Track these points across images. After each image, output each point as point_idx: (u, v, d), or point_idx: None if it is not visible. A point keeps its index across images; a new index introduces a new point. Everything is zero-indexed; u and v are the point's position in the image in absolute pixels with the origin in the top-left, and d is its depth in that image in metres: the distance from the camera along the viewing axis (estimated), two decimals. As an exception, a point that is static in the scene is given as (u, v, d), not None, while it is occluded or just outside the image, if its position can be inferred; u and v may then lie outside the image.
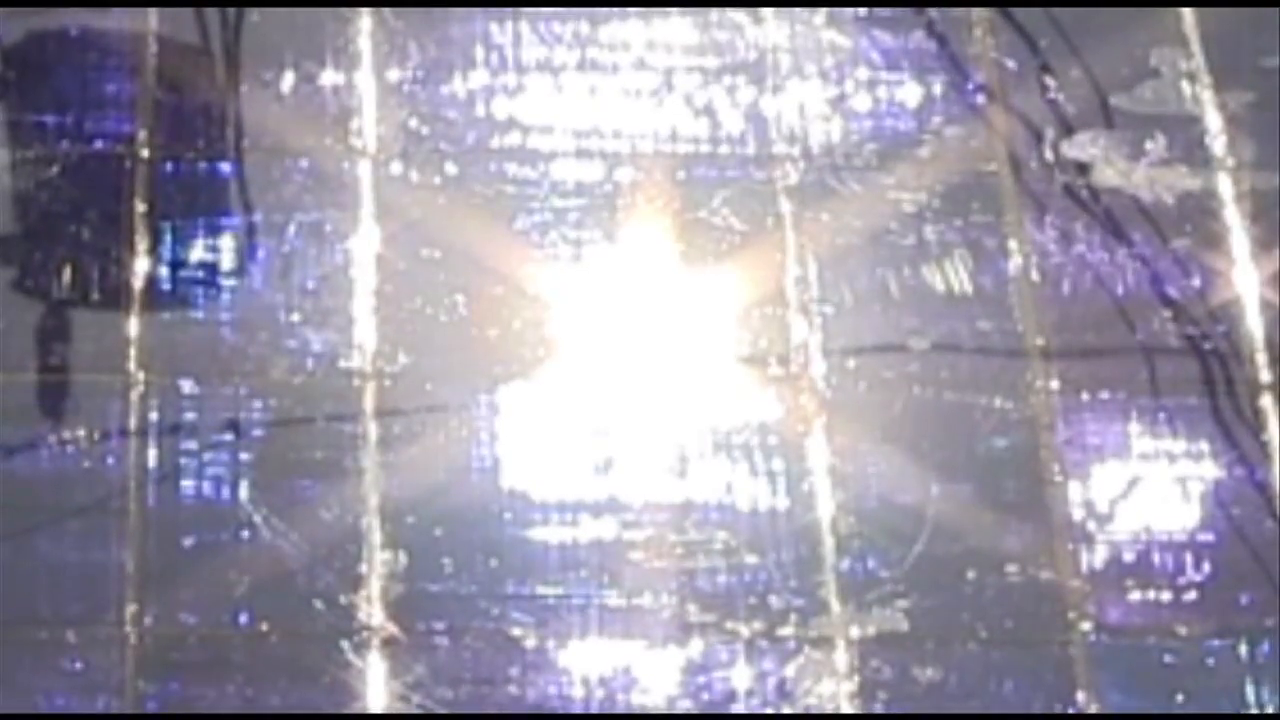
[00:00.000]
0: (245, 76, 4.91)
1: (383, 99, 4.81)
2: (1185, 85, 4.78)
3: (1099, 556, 4.24)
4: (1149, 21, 4.89)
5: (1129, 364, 4.44)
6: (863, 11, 4.97)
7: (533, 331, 4.54)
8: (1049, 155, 4.66)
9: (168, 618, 4.14)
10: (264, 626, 4.15)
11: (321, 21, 4.99)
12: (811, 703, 4.12)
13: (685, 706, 4.19)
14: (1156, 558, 4.24)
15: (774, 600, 4.20)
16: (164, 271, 4.62)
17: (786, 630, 4.17)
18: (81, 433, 4.35)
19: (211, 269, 4.45)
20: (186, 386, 4.43)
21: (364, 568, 4.25)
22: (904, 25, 4.91)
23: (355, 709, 4.19)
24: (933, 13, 4.96)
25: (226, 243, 4.40)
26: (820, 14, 4.99)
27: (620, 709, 4.24)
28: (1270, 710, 4.21)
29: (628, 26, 5.02)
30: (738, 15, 5.03)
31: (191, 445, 4.37)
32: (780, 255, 4.56)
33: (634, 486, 4.36)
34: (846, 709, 4.10)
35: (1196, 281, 4.53)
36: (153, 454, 4.32)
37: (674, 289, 4.64)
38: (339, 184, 4.66)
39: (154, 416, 4.36)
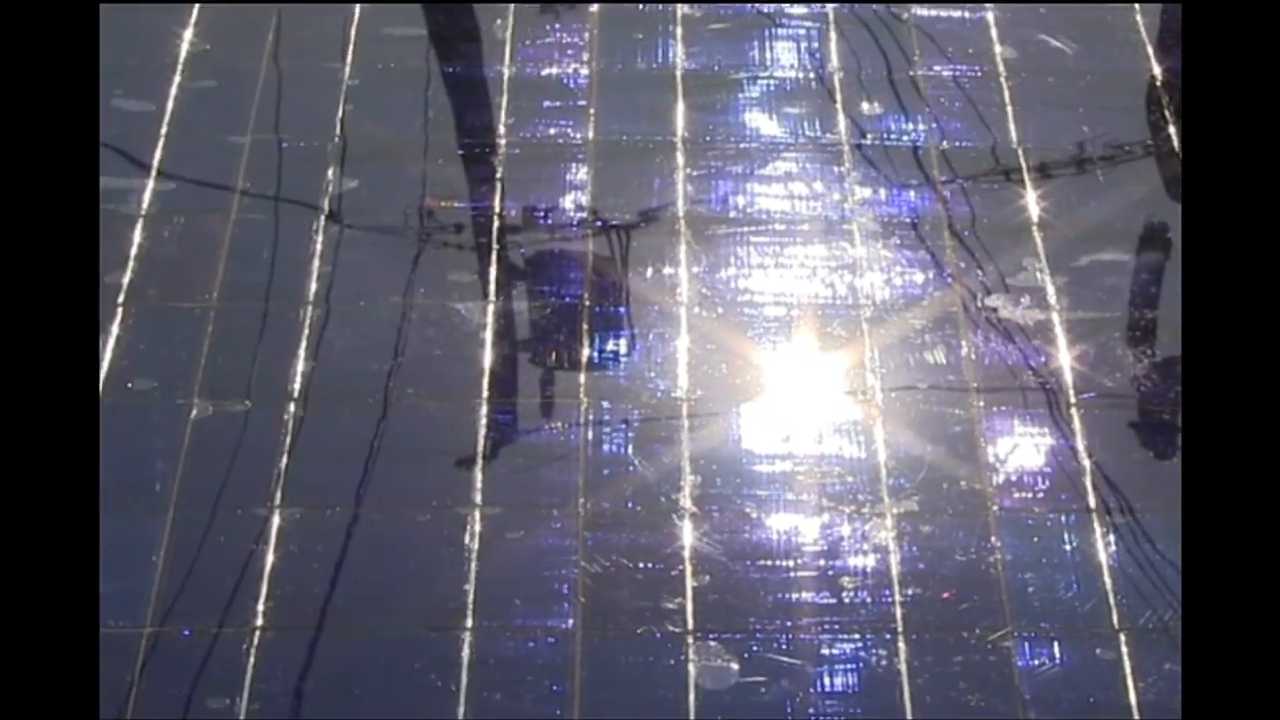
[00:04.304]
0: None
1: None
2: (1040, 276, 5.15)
3: (1001, 478, 4.76)
4: (1019, 248, 5.25)
5: (1019, 393, 4.98)
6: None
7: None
8: (982, 304, 5.15)
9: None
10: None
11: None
12: (878, 539, 4.58)
13: (831, 536, 4.58)
14: (1025, 479, 4.75)
15: (860, 496, 4.70)
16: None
17: (866, 509, 4.67)
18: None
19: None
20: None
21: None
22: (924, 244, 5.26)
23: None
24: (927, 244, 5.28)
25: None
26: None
27: (808, 548, 4.57)
28: (1079, 550, 4.55)
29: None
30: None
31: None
32: (861, 349, 5.04)
33: (809, 449, 4.81)
34: (890, 543, 4.56)
35: (1043, 359, 5.02)
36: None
37: (826, 366, 5.01)
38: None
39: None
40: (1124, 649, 4.35)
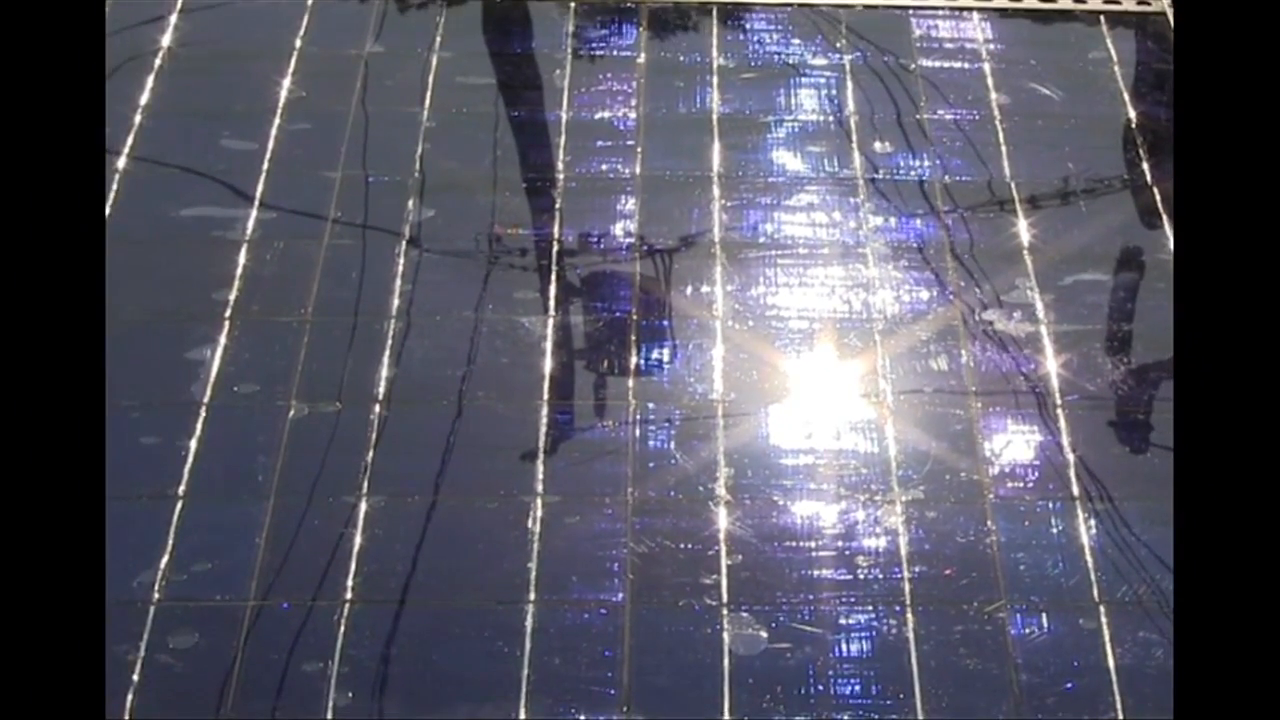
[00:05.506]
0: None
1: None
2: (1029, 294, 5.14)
3: (996, 470, 4.72)
4: (1012, 269, 5.27)
5: (1012, 396, 4.93)
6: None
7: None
8: (979, 318, 5.10)
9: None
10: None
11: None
12: (889, 523, 4.53)
13: (848, 520, 4.53)
14: (1017, 471, 4.71)
15: (873, 485, 4.67)
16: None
17: (879, 496, 4.63)
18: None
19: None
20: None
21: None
22: (927, 266, 5.23)
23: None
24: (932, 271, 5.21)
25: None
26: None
27: (828, 531, 4.52)
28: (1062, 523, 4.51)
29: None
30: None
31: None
32: (874, 357, 5.03)
33: (829, 444, 4.77)
34: (899, 527, 4.51)
35: (1033, 366, 4.98)
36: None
37: (843, 373, 4.97)
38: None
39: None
40: (1103, 619, 4.35)
